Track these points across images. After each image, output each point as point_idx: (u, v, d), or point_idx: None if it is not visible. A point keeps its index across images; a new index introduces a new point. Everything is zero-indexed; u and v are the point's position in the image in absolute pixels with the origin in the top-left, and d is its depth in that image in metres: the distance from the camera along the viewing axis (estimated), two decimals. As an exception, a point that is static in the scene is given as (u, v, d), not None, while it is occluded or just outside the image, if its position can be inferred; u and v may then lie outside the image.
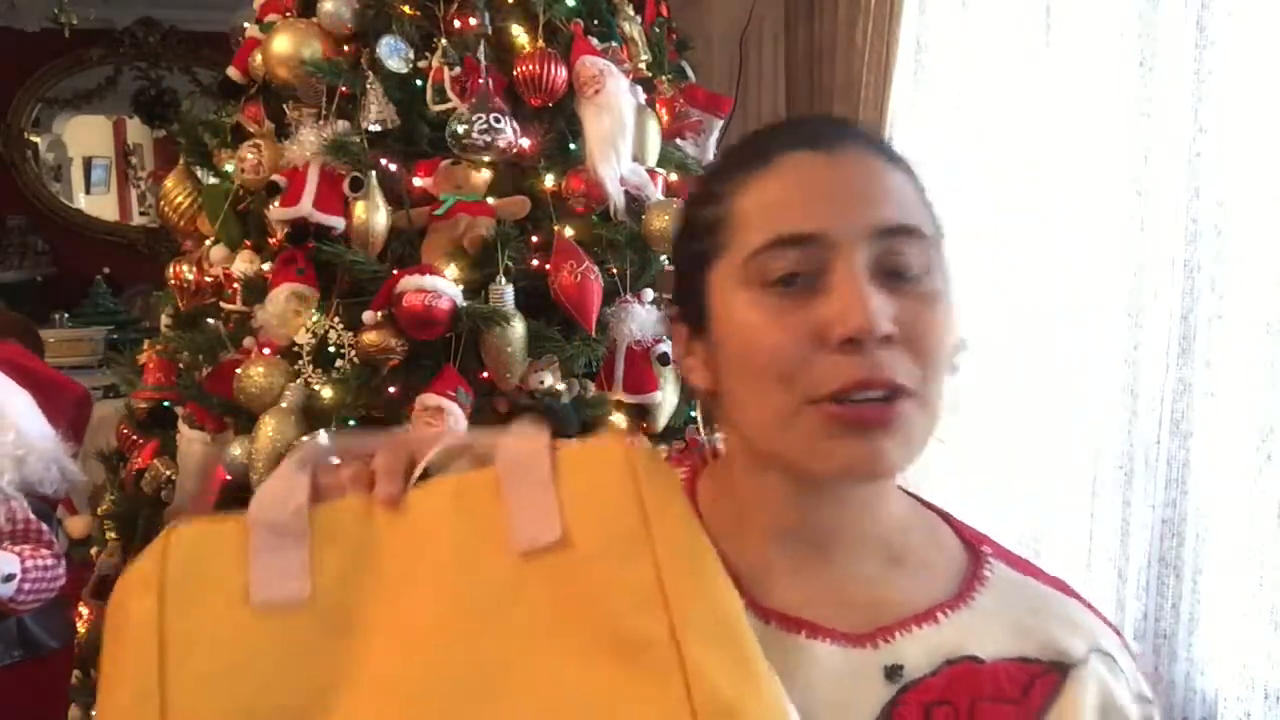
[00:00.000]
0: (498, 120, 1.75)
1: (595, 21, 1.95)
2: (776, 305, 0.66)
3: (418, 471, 0.63)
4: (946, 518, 0.79)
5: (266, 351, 1.78)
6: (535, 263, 1.83)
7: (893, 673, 0.68)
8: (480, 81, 1.77)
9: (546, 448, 0.61)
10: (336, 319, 1.75)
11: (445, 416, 1.65)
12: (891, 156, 0.70)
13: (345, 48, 1.84)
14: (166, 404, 2.00)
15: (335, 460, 0.66)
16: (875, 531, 0.73)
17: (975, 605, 0.72)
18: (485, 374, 1.76)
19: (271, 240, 1.89)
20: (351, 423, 1.73)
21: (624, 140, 1.82)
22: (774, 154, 0.69)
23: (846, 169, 0.68)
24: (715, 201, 0.71)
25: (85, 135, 5.86)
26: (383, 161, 1.79)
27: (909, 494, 0.78)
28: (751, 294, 0.67)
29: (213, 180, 2.07)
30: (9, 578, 1.70)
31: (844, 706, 0.67)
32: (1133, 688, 0.73)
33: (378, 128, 1.78)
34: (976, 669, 0.69)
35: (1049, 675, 0.70)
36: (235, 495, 1.80)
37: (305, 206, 1.74)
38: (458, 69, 1.80)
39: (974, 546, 0.77)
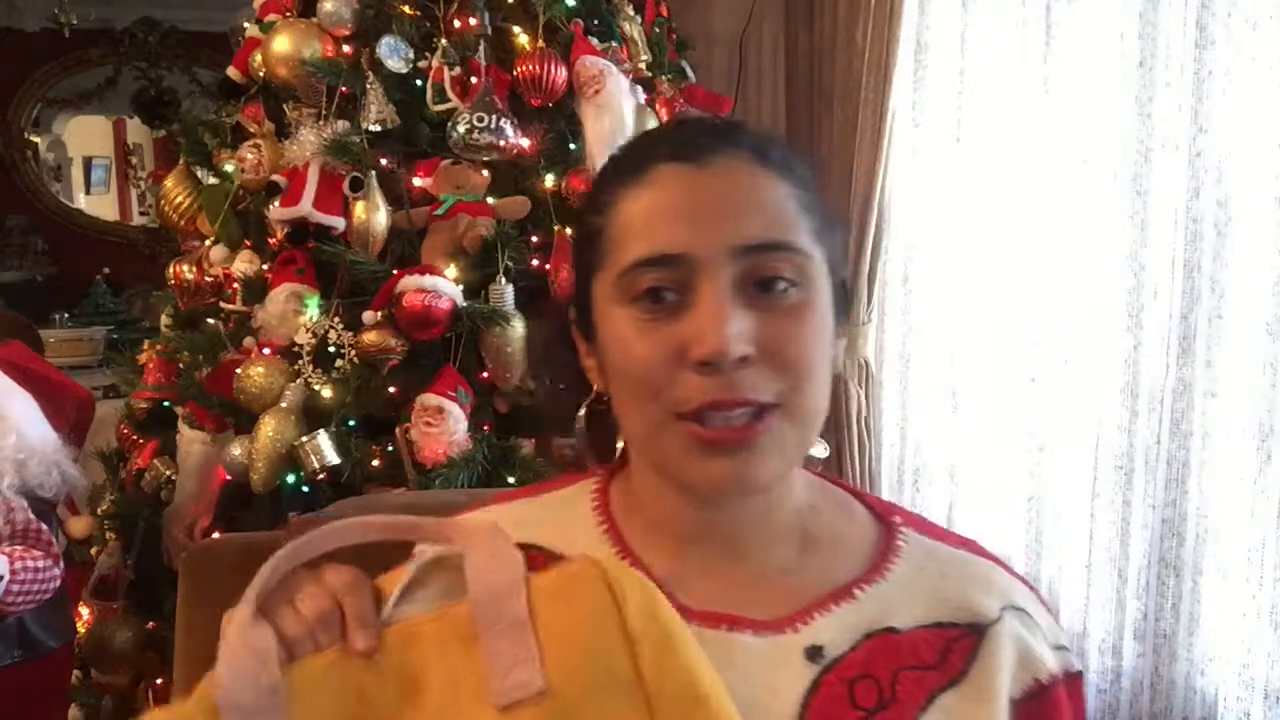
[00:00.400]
0: (496, 120, 1.75)
1: (595, 21, 1.95)
2: (647, 320, 0.68)
3: (389, 608, 0.61)
4: (857, 494, 0.81)
5: (266, 351, 1.78)
6: (535, 263, 1.83)
7: (814, 654, 0.69)
8: (480, 81, 1.77)
9: (520, 579, 0.59)
10: (336, 319, 1.75)
11: (445, 417, 1.65)
12: (771, 163, 0.70)
13: (345, 48, 1.84)
14: (166, 404, 2.00)
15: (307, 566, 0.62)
16: (783, 522, 0.74)
17: (890, 576, 0.74)
18: (485, 374, 1.77)
19: (271, 240, 1.89)
20: (351, 423, 1.73)
21: (624, 140, 1.82)
22: (649, 165, 0.70)
23: (715, 183, 0.68)
24: (598, 211, 0.72)
25: (85, 135, 5.85)
26: (383, 161, 1.79)
27: (818, 474, 0.80)
28: (625, 309, 0.69)
29: (213, 180, 2.07)
30: None
31: (770, 693, 0.68)
32: (1049, 639, 0.75)
33: (378, 128, 1.78)
34: (895, 639, 0.71)
35: (966, 638, 0.71)
36: (236, 495, 1.80)
37: (305, 206, 1.74)
38: (458, 69, 1.80)
39: (885, 518, 0.78)
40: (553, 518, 0.79)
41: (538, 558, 0.75)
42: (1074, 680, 0.75)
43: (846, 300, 0.75)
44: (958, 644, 0.71)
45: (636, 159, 0.72)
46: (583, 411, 0.80)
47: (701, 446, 0.67)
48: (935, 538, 0.78)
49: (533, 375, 0.87)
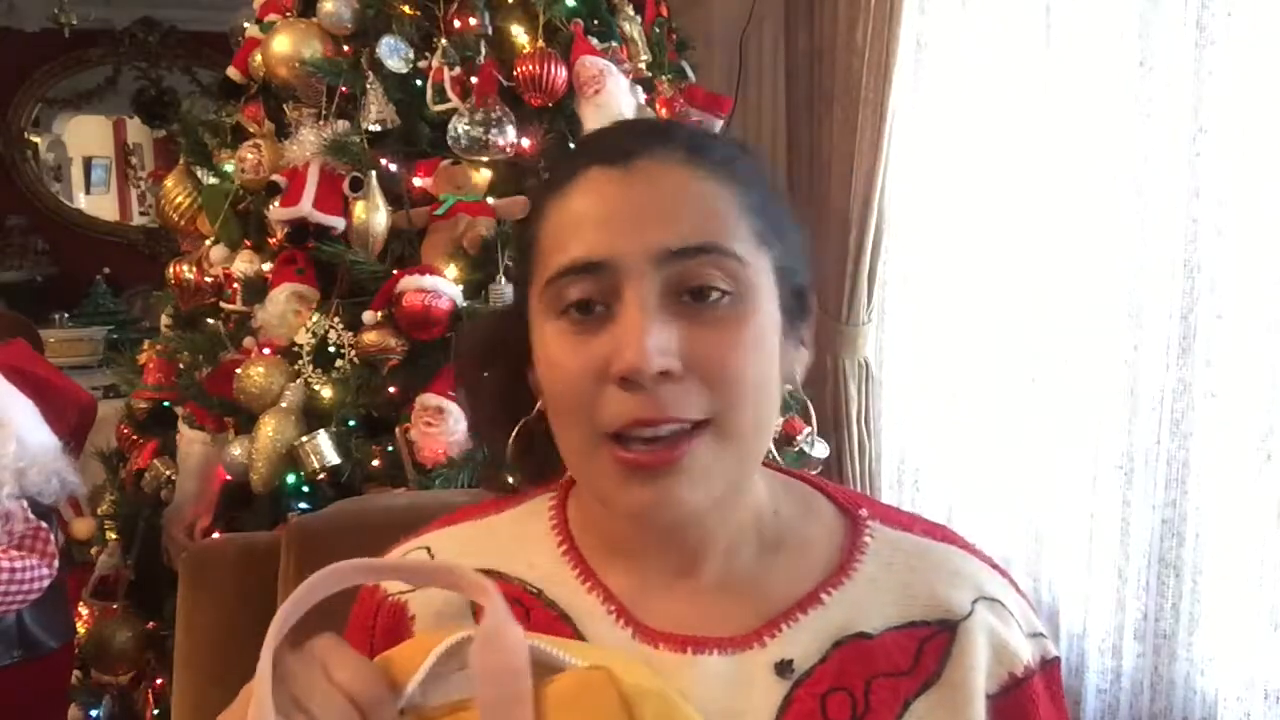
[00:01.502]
0: (497, 120, 1.75)
1: (595, 21, 1.95)
2: (574, 335, 0.65)
3: (402, 702, 0.57)
4: (820, 485, 0.78)
5: (266, 351, 1.78)
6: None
7: (783, 668, 0.67)
8: (480, 81, 1.77)
9: (528, 689, 0.56)
10: (336, 319, 1.75)
11: (445, 417, 1.65)
12: (708, 162, 0.66)
13: (345, 48, 1.84)
14: (166, 404, 2.00)
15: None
16: (739, 527, 0.71)
17: (858, 576, 0.71)
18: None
19: (271, 240, 1.89)
20: (351, 423, 1.73)
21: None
22: (576, 171, 0.67)
23: (640, 185, 0.65)
24: (532, 219, 0.70)
25: (85, 135, 5.86)
26: (383, 161, 1.79)
27: (776, 469, 0.76)
28: (555, 323, 0.66)
29: (213, 180, 2.07)
30: None
31: (740, 715, 0.66)
32: (1024, 626, 0.72)
33: (378, 128, 1.78)
34: (867, 645, 0.68)
35: (938, 636, 0.69)
36: (236, 495, 1.80)
37: (305, 206, 1.74)
38: (458, 69, 1.80)
39: (851, 512, 0.75)
40: (509, 539, 0.76)
41: (496, 583, 0.74)
42: (1051, 667, 0.73)
43: (803, 306, 0.71)
44: (930, 643, 0.69)
45: (566, 165, 0.69)
46: (515, 431, 0.76)
47: (624, 471, 0.63)
48: (902, 528, 0.75)
49: (465, 394, 0.84)
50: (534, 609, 0.72)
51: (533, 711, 0.55)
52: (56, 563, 1.85)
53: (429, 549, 0.78)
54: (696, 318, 0.63)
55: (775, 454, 0.74)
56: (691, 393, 0.63)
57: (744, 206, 0.66)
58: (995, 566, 0.76)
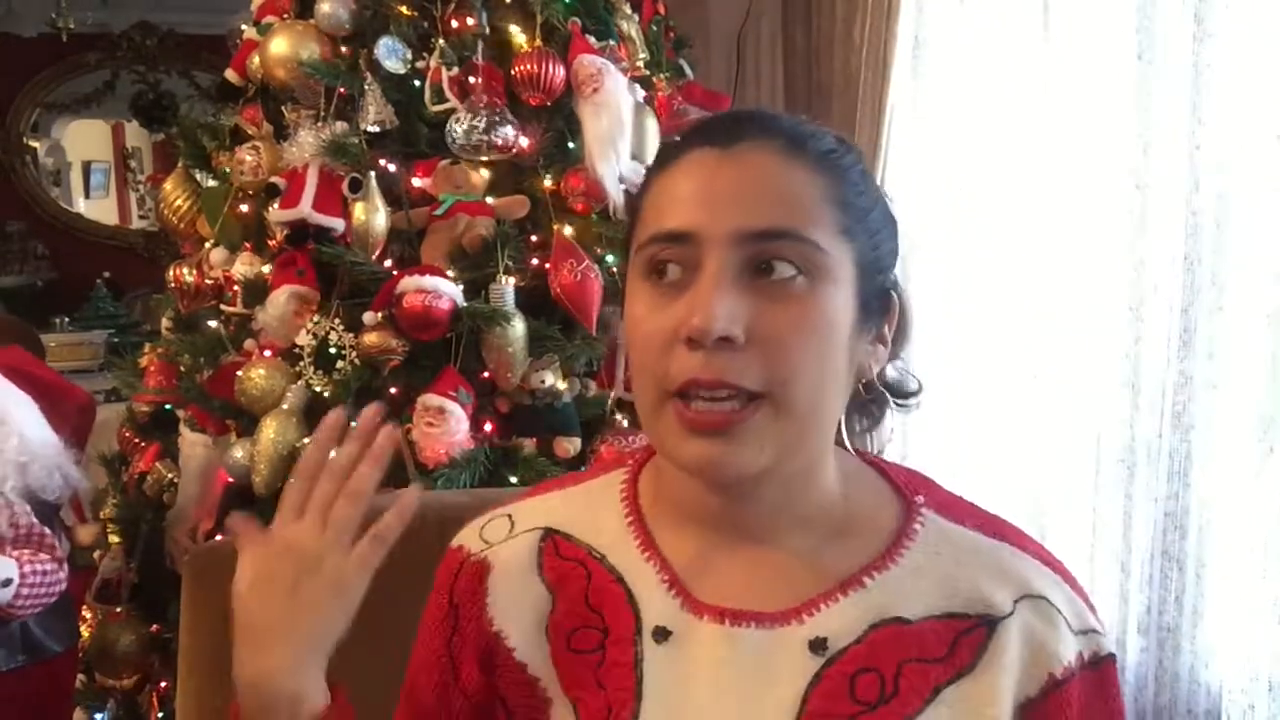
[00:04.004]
0: (496, 120, 1.75)
1: (593, 20, 1.94)
2: (655, 297, 0.70)
3: None
4: (881, 468, 0.81)
5: (267, 354, 1.78)
6: (535, 262, 1.82)
7: (817, 646, 0.70)
8: (478, 81, 1.77)
9: None
10: (337, 320, 1.75)
11: (446, 417, 1.65)
12: (804, 153, 0.70)
13: (343, 49, 1.84)
14: (168, 407, 2.00)
15: None
16: (807, 508, 0.75)
17: (903, 563, 0.73)
18: (486, 374, 1.76)
19: (271, 242, 1.88)
20: (353, 424, 1.73)
21: (622, 139, 1.82)
22: (683, 150, 0.72)
23: (735, 168, 0.69)
24: (640, 192, 0.76)
25: (84, 139, 5.86)
26: (382, 162, 1.79)
27: (850, 451, 0.79)
28: (642, 285, 0.71)
29: (212, 183, 2.07)
30: (6, 582, 1.69)
31: (769, 687, 0.69)
32: (1075, 624, 0.73)
33: (376, 129, 1.78)
34: (903, 630, 0.70)
35: (977, 630, 0.71)
36: (238, 498, 1.80)
37: (304, 208, 1.74)
38: (456, 69, 1.80)
39: (907, 497, 0.78)
40: (583, 507, 0.82)
41: (564, 544, 0.80)
42: (1104, 665, 0.73)
43: (885, 305, 0.75)
44: (966, 637, 0.70)
45: (677, 144, 0.74)
46: None
47: (685, 426, 0.68)
48: (955, 519, 0.77)
49: None
50: (595, 572, 0.78)
51: None
52: (65, 566, 1.85)
53: (510, 516, 0.84)
54: (767, 293, 0.67)
55: (846, 438, 0.77)
56: (750, 362, 0.66)
57: (830, 198, 0.70)
58: (1049, 562, 0.77)
